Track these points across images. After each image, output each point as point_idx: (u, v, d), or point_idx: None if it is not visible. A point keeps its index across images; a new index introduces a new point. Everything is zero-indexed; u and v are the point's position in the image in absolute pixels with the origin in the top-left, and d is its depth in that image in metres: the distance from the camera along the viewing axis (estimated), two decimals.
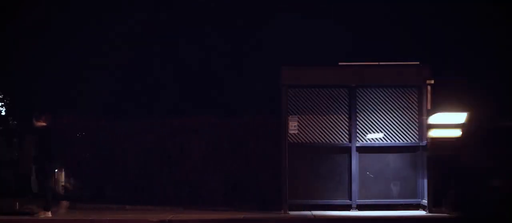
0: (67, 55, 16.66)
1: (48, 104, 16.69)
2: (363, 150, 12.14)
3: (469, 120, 8.77)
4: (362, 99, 12.25)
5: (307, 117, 12.24)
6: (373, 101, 12.26)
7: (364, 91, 12.25)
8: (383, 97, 12.26)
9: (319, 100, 12.27)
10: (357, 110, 12.21)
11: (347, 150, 12.14)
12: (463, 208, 8.28)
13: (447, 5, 15.99)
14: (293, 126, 12.18)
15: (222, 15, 16.67)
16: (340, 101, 12.26)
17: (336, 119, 12.23)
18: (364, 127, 12.21)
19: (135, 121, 13.97)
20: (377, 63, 12.31)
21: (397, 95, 12.26)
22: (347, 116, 12.23)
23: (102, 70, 16.52)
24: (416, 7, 16.14)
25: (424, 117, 11.94)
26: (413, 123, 12.22)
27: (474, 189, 8.32)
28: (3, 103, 17.40)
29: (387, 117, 12.22)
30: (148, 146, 13.76)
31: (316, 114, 12.26)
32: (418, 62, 12.19)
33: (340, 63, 12.34)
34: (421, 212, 11.87)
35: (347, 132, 12.22)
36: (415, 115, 12.23)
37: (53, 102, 16.64)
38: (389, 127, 12.21)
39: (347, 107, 12.23)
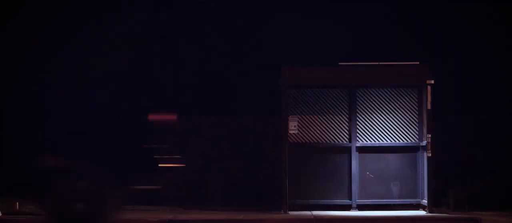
0: (67, 55, 16.65)
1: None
2: (363, 150, 12.14)
3: None
4: (362, 100, 12.25)
5: (307, 117, 12.24)
6: (373, 101, 12.26)
7: (364, 91, 12.25)
8: (383, 97, 12.26)
9: (319, 100, 12.26)
10: (357, 110, 12.21)
11: (347, 150, 12.14)
12: None
13: (447, 5, 15.98)
14: (293, 126, 12.18)
15: (222, 15, 16.66)
16: (340, 101, 12.26)
17: (336, 119, 12.22)
18: (364, 127, 12.20)
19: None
20: (377, 63, 12.31)
21: (397, 95, 12.26)
22: (347, 116, 12.23)
23: (102, 70, 16.51)
24: (416, 7, 16.13)
25: (424, 117, 11.95)
26: (413, 123, 12.22)
27: None
28: None
29: (387, 117, 12.22)
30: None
31: (316, 114, 12.26)
32: (418, 62, 12.19)
33: (340, 63, 12.34)
34: (421, 212, 11.87)
35: (347, 132, 12.21)
36: (415, 115, 12.23)
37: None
38: (389, 127, 12.21)
39: (347, 107, 12.23)
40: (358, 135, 12.18)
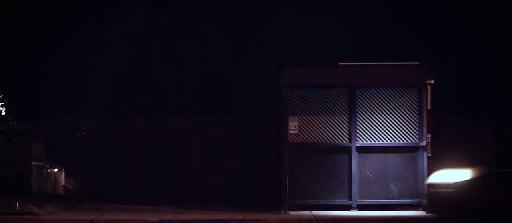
0: (67, 55, 16.66)
1: (48, 104, 16.70)
2: (363, 150, 12.14)
3: None
4: (362, 100, 12.25)
5: (307, 117, 12.25)
6: (373, 101, 12.26)
7: (364, 91, 12.25)
8: (383, 97, 12.26)
9: (319, 100, 12.27)
10: (357, 110, 12.21)
11: (347, 150, 12.14)
12: None
13: (447, 5, 16.00)
14: (293, 126, 12.18)
15: (222, 15, 16.68)
16: (340, 101, 12.26)
17: (336, 119, 12.23)
18: (364, 127, 12.21)
19: (135, 121, 13.98)
20: (377, 63, 12.31)
21: (397, 95, 12.26)
22: (347, 116, 12.23)
23: (102, 70, 16.53)
24: (416, 7, 16.14)
25: (424, 117, 11.95)
26: (413, 123, 12.23)
27: None
28: (3, 103, 17.41)
29: (387, 117, 12.22)
30: (148, 146, 13.77)
31: (316, 113, 12.26)
32: (418, 62, 12.20)
33: (340, 63, 12.34)
34: (421, 212, 11.87)
35: (347, 132, 12.21)
36: (415, 115, 12.23)
37: (53, 102, 16.65)
38: (389, 127, 12.21)
39: (347, 107, 12.23)
40: (358, 135, 12.18)
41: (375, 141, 12.18)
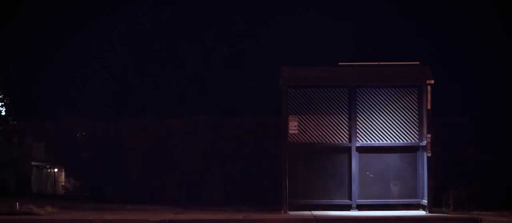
0: (67, 55, 16.65)
1: (47, 104, 16.69)
2: (363, 150, 12.14)
3: None
4: (362, 99, 12.25)
5: (307, 117, 12.25)
6: (373, 101, 12.26)
7: (364, 91, 12.25)
8: (383, 97, 12.26)
9: (319, 100, 12.27)
10: (357, 110, 12.21)
11: (347, 150, 12.14)
12: None
13: (447, 5, 15.99)
14: (293, 126, 12.19)
15: (222, 15, 16.67)
16: (340, 101, 12.27)
17: (336, 119, 12.23)
18: (364, 127, 12.21)
19: (135, 121, 13.99)
20: (377, 63, 12.31)
21: (397, 95, 12.26)
22: (347, 116, 12.24)
23: (102, 70, 16.52)
24: (416, 7, 16.14)
25: (424, 117, 11.95)
26: (413, 123, 12.23)
27: None
28: (3, 103, 17.39)
29: (387, 117, 12.23)
30: (148, 146, 13.77)
31: (316, 114, 12.27)
32: (418, 62, 12.20)
33: (340, 63, 12.34)
34: (421, 212, 11.87)
35: (347, 132, 12.22)
36: (415, 115, 12.24)
37: (53, 102, 16.63)
38: (389, 127, 12.22)
39: (347, 107, 12.24)
40: (358, 135, 12.19)
41: (375, 141, 12.18)
